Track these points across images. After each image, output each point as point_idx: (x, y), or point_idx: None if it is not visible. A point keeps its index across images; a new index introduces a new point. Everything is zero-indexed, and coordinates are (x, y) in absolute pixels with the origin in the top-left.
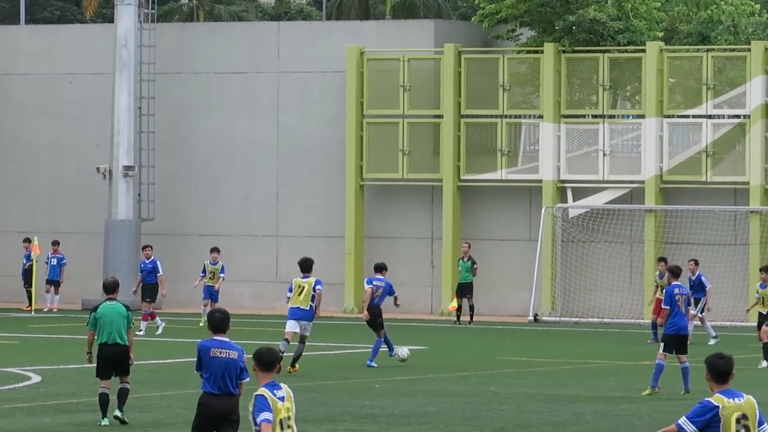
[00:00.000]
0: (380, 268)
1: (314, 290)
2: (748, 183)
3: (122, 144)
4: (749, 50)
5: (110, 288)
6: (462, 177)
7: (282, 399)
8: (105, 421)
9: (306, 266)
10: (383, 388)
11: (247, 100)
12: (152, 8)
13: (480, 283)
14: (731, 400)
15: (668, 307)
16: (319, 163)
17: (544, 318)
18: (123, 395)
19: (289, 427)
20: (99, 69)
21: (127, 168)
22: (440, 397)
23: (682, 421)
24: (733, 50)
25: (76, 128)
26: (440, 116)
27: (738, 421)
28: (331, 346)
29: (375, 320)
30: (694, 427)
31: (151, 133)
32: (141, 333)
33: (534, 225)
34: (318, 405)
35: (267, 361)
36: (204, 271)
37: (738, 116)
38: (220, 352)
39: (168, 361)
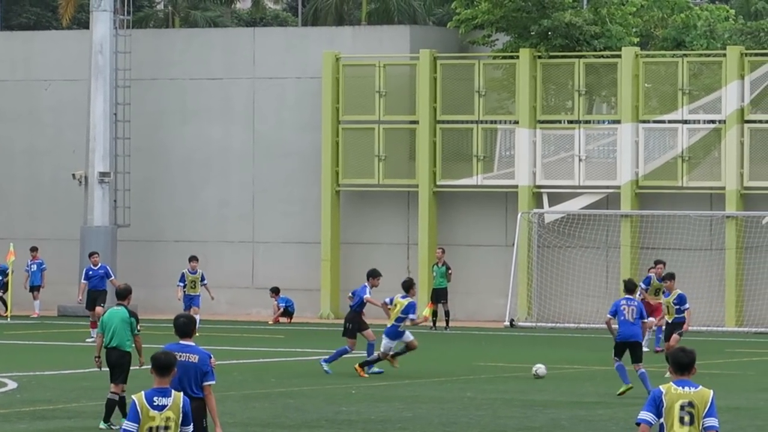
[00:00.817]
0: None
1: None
2: (723, 188)
3: (98, 150)
4: (725, 55)
5: (121, 294)
6: (438, 182)
7: (161, 408)
8: (103, 425)
9: (406, 286)
10: (360, 394)
11: (223, 106)
12: (128, 14)
13: (456, 289)
14: (680, 388)
15: (611, 317)
16: (295, 169)
17: (521, 323)
18: (110, 406)
19: None
20: (75, 75)
21: (103, 174)
22: (416, 403)
23: (640, 414)
24: (708, 55)
25: (52, 135)
26: (416, 122)
27: (682, 407)
28: (308, 352)
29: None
30: (647, 414)
31: (126, 140)
32: (90, 340)
33: (510, 230)
34: (294, 411)
35: (158, 365)
36: (183, 280)
37: (714, 121)
38: (181, 356)
39: (146, 367)
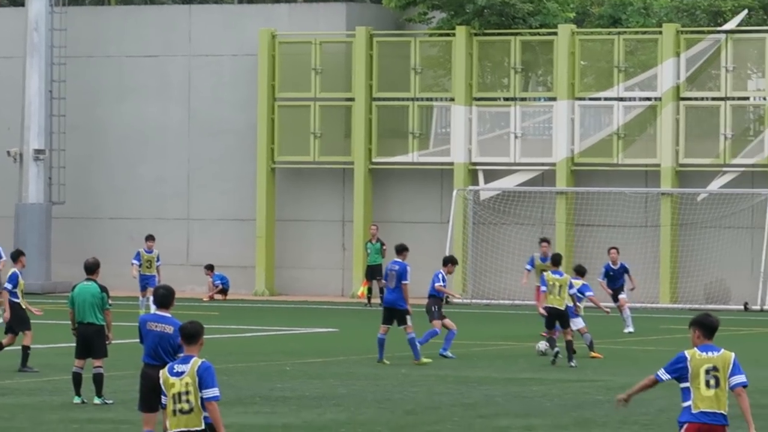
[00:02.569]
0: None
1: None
2: (659, 165)
3: (32, 128)
4: (660, 33)
5: (89, 269)
6: (373, 160)
7: (179, 374)
8: (77, 399)
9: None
10: (294, 371)
11: (160, 83)
12: None
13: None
14: (704, 353)
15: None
16: (231, 147)
17: (455, 300)
18: (97, 381)
19: (186, 401)
20: (9, 53)
21: (38, 152)
22: (351, 380)
23: (660, 372)
24: (644, 33)
25: None
26: (352, 99)
27: (708, 372)
28: (242, 329)
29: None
30: (668, 375)
31: (62, 117)
32: None
33: (445, 207)
34: (228, 388)
35: (185, 334)
36: (138, 258)
37: (649, 99)
38: (156, 326)
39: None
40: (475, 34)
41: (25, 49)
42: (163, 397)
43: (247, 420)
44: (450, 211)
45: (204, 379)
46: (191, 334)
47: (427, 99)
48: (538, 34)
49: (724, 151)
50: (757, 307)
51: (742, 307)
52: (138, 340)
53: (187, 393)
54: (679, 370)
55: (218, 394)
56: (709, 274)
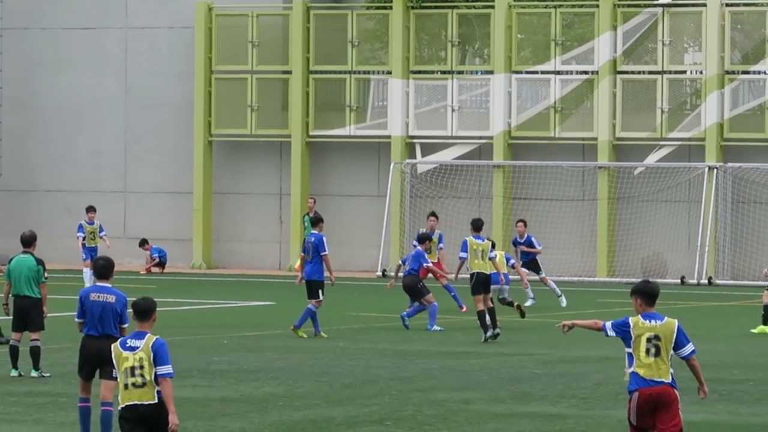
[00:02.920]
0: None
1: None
2: (596, 139)
3: None
4: (597, 6)
5: (26, 241)
6: (311, 133)
7: (132, 349)
8: (14, 372)
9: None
10: (231, 344)
11: (96, 55)
12: None
13: (329, 240)
14: (647, 321)
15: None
16: (167, 119)
17: (392, 273)
18: (34, 354)
19: (139, 375)
20: None
21: None
22: (289, 353)
23: (608, 324)
24: (581, 6)
25: None
26: (289, 72)
27: (649, 340)
28: (180, 302)
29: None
30: (613, 332)
31: None
32: None
33: (383, 181)
34: None
35: (138, 310)
36: (81, 230)
37: (586, 72)
38: (98, 296)
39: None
40: (412, 8)
41: None
42: (113, 370)
43: (185, 393)
44: (387, 185)
45: (159, 356)
46: (144, 310)
47: (364, 72)
48: (475, 7)
49: (660, 125)
50: (694, 281)
51: (678, 280)
52: (75, 314)
53: (141, 368)
54: (624, 333)
55: (172, 372)
56: (646, 247)
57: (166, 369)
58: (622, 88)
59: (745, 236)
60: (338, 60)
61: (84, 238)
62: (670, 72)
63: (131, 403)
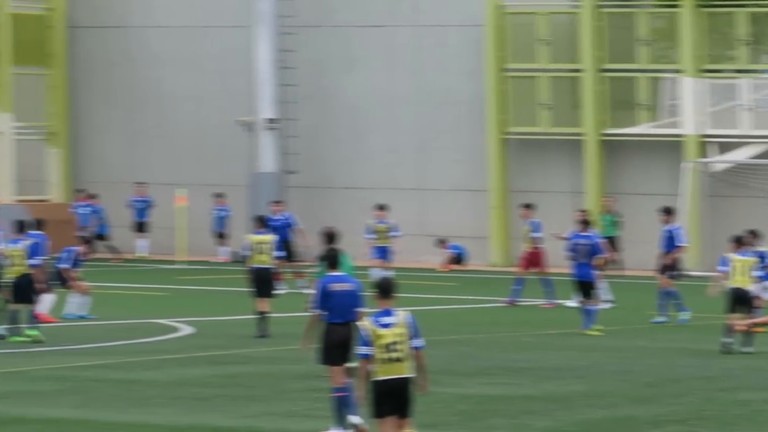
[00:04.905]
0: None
1: None
2: None
3: (265, 97)
4: None
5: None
6: (605, 131)
7: (387, 326)
8: None
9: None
10: (533, 342)
11: (386, 53)
12: None
13: (626, 238)
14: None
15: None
16: (460, 117)
17: (691, 273)
18: None
19: (399, 350)
20: (235, 22)
21: (272, 120)
22: (590, 352)
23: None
24: None
25: (216, 81)
26: (579, 70)
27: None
28: (477, 299)
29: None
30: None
31: (292, 87)
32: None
33: (673, 179)
34: (470, 358)
35: (382, 289)
36: (370, 232)
37: None
38: (340, 286)
39: None
40: (702, 6)
41: (252, 19)
42: (364, 347)
43: (488, 391)
44: (681, 183)
45: (414, 329)
46: (388, 288)
47: (655, 71)
48: (766, 6)
49: None
50: None
51: None
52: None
53: (400, 342)
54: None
55: (424, 343)
56: None
57: (421, 342)
58: None
59: None
60: (627, 58)
61: (376, 239)
62: None
63: (391, 377)
